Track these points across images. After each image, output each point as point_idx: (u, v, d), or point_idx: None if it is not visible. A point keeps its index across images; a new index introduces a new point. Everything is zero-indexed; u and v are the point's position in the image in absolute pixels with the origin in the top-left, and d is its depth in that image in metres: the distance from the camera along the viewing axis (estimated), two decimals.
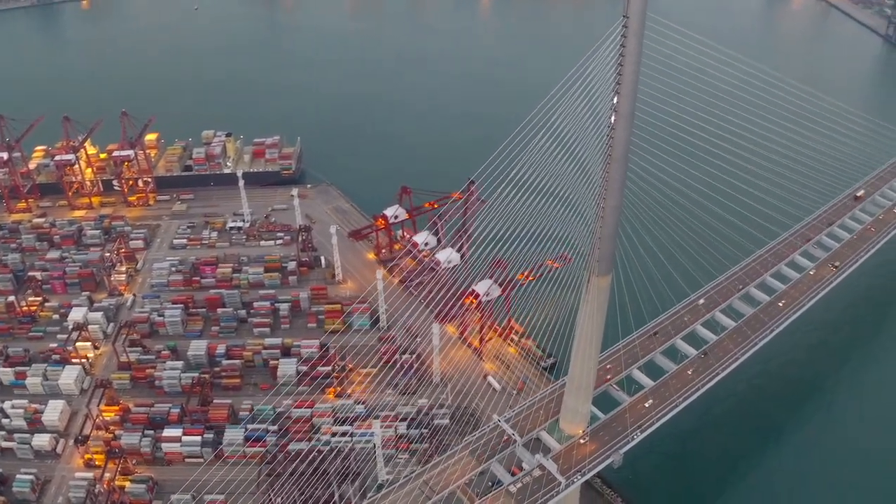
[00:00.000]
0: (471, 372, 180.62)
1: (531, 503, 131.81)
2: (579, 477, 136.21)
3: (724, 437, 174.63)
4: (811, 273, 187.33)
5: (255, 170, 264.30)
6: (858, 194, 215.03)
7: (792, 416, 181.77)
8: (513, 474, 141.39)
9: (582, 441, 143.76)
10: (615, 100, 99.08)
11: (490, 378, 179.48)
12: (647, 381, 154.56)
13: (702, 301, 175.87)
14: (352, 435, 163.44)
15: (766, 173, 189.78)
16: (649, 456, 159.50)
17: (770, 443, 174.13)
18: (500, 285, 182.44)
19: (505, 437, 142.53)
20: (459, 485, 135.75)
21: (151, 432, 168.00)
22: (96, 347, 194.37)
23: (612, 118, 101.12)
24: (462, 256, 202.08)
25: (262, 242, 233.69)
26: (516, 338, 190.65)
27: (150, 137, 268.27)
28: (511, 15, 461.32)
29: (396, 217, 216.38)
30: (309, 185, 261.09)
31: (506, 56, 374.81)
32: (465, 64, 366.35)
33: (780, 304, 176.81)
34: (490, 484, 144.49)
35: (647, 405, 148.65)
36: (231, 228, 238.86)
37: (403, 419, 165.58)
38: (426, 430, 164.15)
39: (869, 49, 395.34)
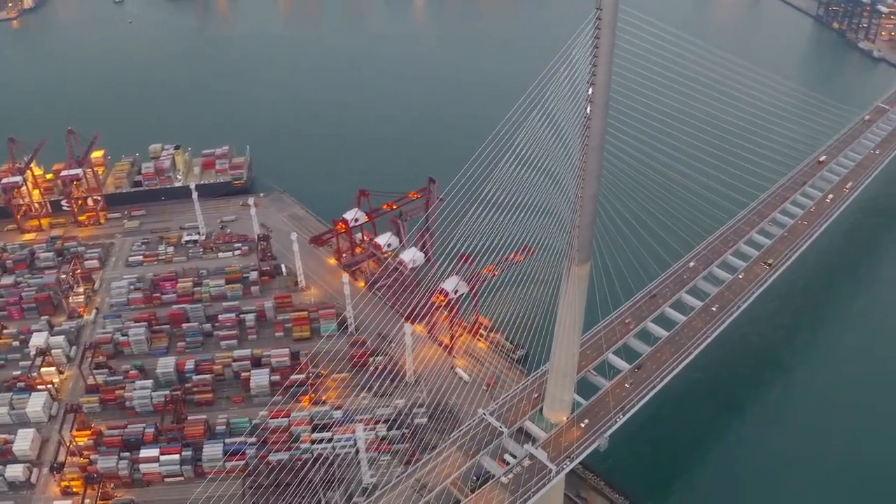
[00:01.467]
0: (443, 369, 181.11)
1: (525, 492, 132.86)
2: (569, 463, 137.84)
3: (693, 414, 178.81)
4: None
5: (206, 181, 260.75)
6: (821, 159, 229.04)
7: (754, 390, 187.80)
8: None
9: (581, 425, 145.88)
10: (590, 91, 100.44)
11: (458, 370, 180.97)
12: (623, 365, 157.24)
13: (689, 267, 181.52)
14: (330, 441, 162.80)
15: (726, 154, 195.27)
16: (625, 437, 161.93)
17: (734, 417, 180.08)
18: (467, 281, 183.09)
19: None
20: (453, 479, 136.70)
21: (128, 454, 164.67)
22: (61, 372, 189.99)
23: (588, 109, 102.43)
24: (426, 255, 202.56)
25: (220, 254, 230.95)
26: (485, 332, 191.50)
27: (97, 155, 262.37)
28: (445, 16, 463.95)
29: (357, 220, 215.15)
30: (262, 194, 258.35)
31: (447, 56, 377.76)
32: (407, 65, 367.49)
33: (741, 278, 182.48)
34: (475, 478, 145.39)
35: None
36: (187, 242, 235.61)
37: (382, 421, 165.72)
38: (406, 431, 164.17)
39: (802, 30, 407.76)
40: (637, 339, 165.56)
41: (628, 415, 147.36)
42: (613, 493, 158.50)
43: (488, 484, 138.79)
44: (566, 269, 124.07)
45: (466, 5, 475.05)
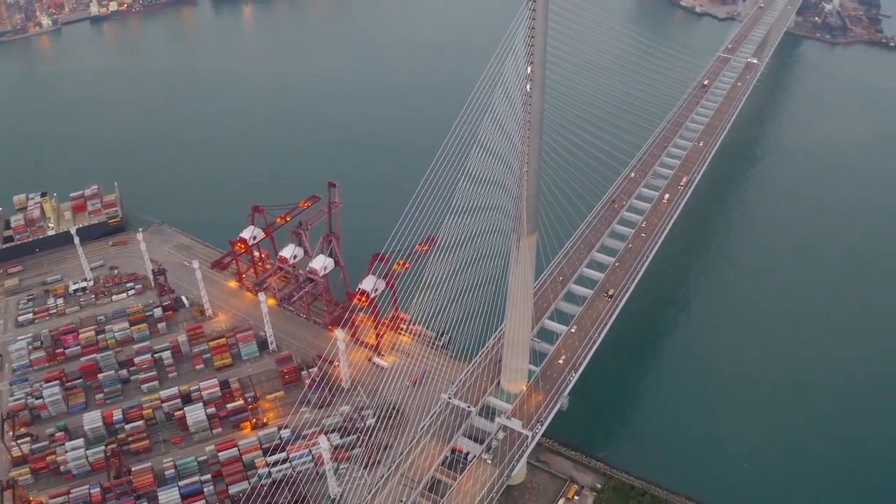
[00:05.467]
0: (375, 368, 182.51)
1: (510, 460, 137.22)
2: (540, 427, 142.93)
3: (620, 363, 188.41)
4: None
5: (81, 224, 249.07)
6: (705, 83, 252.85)
7: (670, 330, 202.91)
8: (454, 450, 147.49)
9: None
10: (529, 69, 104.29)
11: (375, 359, 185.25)
12: (560, 328, 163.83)
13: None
14: (287, 460, 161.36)
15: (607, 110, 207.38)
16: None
17: (654, 358, 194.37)
18: (384, 279, 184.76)
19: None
20: (437, 467, 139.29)
21: None
22: None
23: (528, 87, 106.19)
24: (335, 261, 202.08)
25: (114, 297, 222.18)
26: (405, 326, 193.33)
27: None
28: (276, 23, 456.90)
29: (255, 238, 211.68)
30: (141, 229, 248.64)
31: (294, 61, 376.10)
32: (256, 76, 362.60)
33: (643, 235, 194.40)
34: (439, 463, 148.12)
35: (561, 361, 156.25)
36: (76, 291, 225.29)
37: (334, 430, 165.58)
38: (360, 434, 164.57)
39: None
40: (565, 302, 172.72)
41: (579, 371, 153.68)
42: (570, 451, 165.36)
43: (472, 463, 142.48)
44: (514, 242, 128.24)
45: (294, 11, 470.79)
